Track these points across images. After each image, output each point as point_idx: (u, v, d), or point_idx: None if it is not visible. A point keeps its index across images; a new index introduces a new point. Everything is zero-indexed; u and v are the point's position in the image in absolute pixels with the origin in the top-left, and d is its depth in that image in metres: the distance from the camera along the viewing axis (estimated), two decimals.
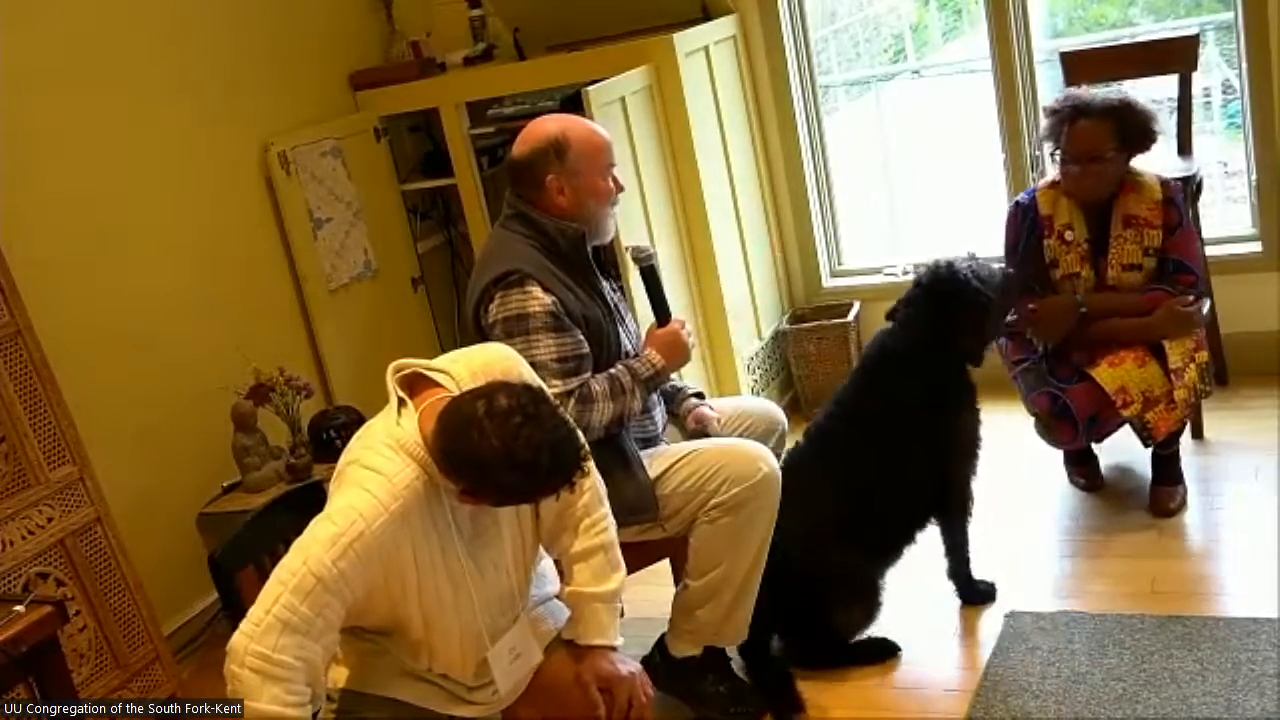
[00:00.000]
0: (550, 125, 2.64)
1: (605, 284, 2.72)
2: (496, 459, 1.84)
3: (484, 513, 2.04)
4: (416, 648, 2.06)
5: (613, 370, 2.59)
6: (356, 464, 1.97)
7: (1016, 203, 3.27)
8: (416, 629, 2.01)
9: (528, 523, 2.16)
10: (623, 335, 2.70)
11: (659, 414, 2.79)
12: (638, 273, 2.79)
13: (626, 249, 2.90)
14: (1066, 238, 3.15)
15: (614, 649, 2.21)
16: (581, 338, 2.54)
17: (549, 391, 2.43)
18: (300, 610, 1.85)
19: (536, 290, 2.50)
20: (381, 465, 1.94)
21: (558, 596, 2.29)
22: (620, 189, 2.69)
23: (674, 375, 2.84)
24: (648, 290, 2.75)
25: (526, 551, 2.17)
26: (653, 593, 3.02)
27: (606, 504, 2.26)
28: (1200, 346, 3.10)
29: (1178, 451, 3.28)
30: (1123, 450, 3.41)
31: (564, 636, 2.24)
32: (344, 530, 1.88)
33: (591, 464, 2.11)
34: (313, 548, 1.88)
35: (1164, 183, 3.12)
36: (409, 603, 1.97)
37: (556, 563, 2.32)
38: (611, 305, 2.70)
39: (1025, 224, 3.20)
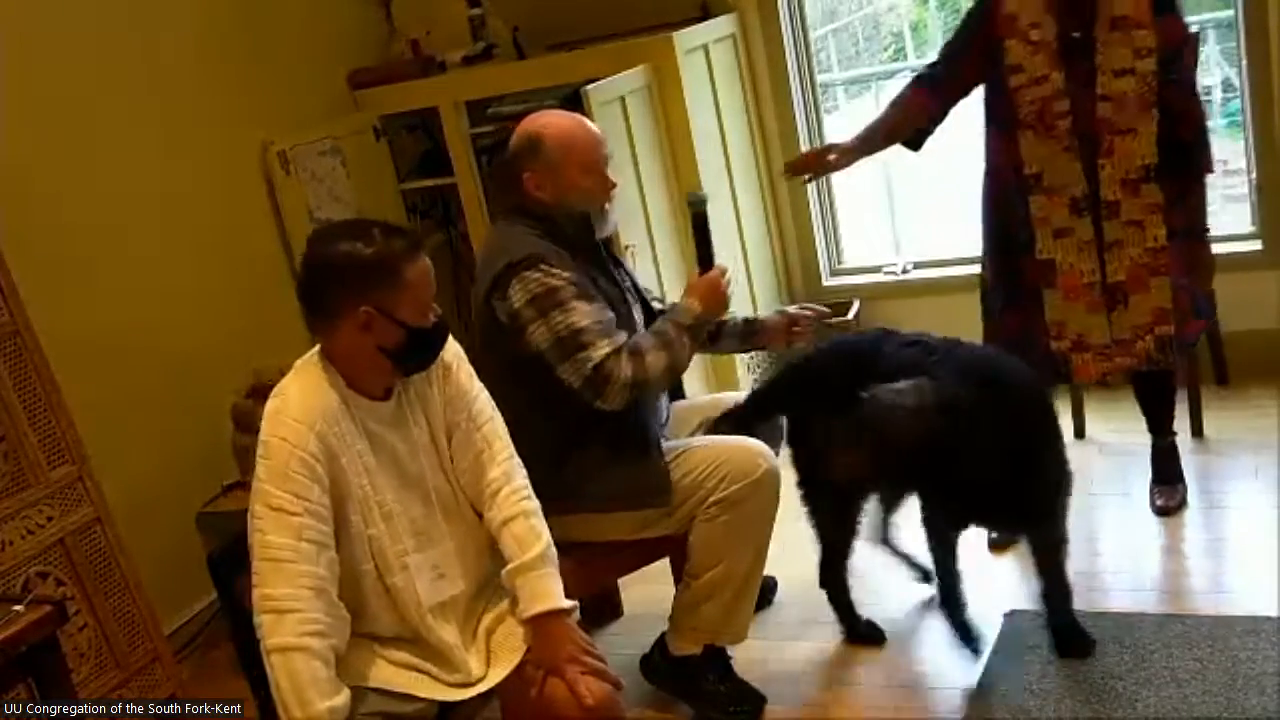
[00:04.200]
0: (531, 121, 2.64)
1: (613, 271, 2.72)
2: (337, 245, 2.05)
3: (399, 457, 2.14)
4: (372, 583, 2.10)
5: (655, 325, 2.60)
6: (272, 396, 2.10)
7: None
8: (361, 542, 2.07)
9: (448, 467, 2.22)
10: (635, 318, 2.69)
11: (664, 408, 2.79)
12: (690, 217, 2.79)
13: (687, 196, 2.88)
14: (1032, 37, 2.86)
15: (560, 611, 2.15)
16: (606, 304, 2.55)
17: (597, 354, 2.45)
18: (279, 543, 1.96)
19: (554, 268, 2.50)
20: (288, 387, 2.09)
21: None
22: (611, 185, 2.66)
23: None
24: (695, 236, 2.74)
25: (457, 499, 2.23)
26: (653, 592, 3.02)
27: (525, 478, 2.27)
28: (1163, 320, 2.96)
29: (1177, 450, 3.28)
30: (1122, 450, 3.41)
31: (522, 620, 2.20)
32: (278, 459, 2.00)
33: (487, 400, 2.26)
34: (262, 488, 2.00)
35: None
36: (351, 503, 2.06)
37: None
38: (622, 289, 2.70)
39: (977, 20, 2.95)
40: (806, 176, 3.15)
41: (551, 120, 2.63)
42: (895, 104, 3.14)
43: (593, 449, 2.56)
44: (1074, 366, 3.04)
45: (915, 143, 3.17)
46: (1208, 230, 3.01)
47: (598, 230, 2.65)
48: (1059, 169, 2.92)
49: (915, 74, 3.15)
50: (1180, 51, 2.86)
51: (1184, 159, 2.89)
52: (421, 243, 2.14)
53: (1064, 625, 2.69)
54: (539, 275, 2.49)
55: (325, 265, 2.06)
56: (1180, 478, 3.26)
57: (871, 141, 3.18)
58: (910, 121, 3.11)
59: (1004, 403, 2.44)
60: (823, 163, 3.16)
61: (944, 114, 3.10)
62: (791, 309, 2.95)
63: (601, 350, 2.46)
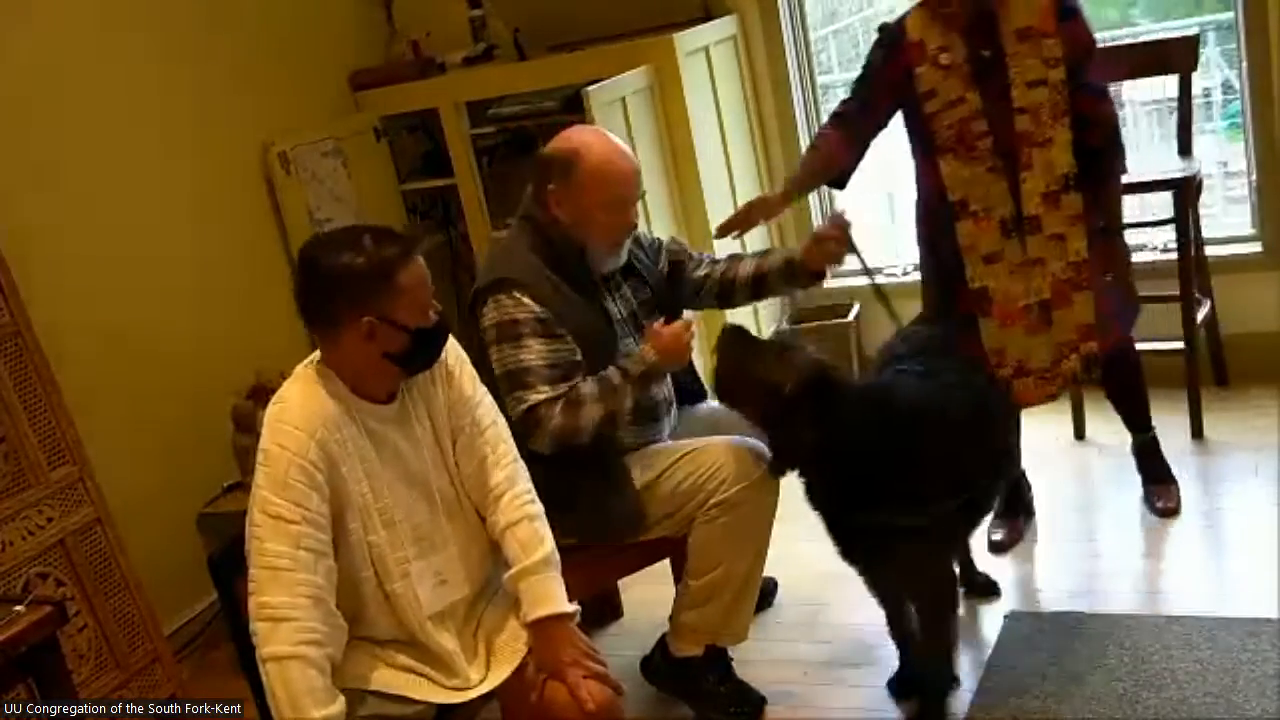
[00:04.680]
0: (575, 137, 2.60)
1: (625, 288, 2.71)
2: (330, 258, 2.05)
3: (403, 456, 2.15)
4: (371, 590, 2.10)
5: (604, 371, 2.56)
6: (272, 402, 2.09)
7: (883, 25, 2.99)
8: (360, 549, 2.07)
9: (452, 470, 2.23)
10: (628, 347, 2.64)
11: (666, 424, 2.77)
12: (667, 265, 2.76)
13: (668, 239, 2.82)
14: (942, 61, 2.84)
15: (563, 615, 2.16)
16: (573, 345, 2.53)
17: (534, 397, 2.45)
18: (278, 551, 1.96)
19: (527, 299, 2.50)
20: (289, 394, 2.09)
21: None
22: (630, 226, 2.62)
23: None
24: (669, 283, 2.70)
25: (460, 502, 2.23)
26: (653, 593, 3.02)
27: (529, 482, 2.27)
28: (1087, 337, 2.90)
29: (1159, 445, 3.26)
30: (1122, 451, 3.40)
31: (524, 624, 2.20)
32: (277, 467, 1.99)
33: (490, 405, 2.27)
34: (260, 495, 2.00)
35: None
36: (351, 510, 2.06)
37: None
38: (616, 317, 2.67)
39: (884, 52, 2.93)
40: (735, 234, 2.98)
41: (594, 144, 2.58)
42: (814, 148, 3.08)
43: (568, 473, 2.53)
44: (1017, 391, 2.97)
45: (840, 182, 3.11)
46: (1122, 230, 3.01)
47: (596, 266, 2.62)
48: (984, 191, 2.88)
49: (831, 114, 3.10)
50: (1087, 56, 2.85)
51: (1096, 164, 2.87)
52: (414, 245, 2.12)
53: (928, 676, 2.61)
54: (510, 303, 2.49)
55: (320, 279, 2.06)
56: (1171, 476, 3.26)
57: (800, 187, 3.11)
58: (833, 162, 3.04)
59: (865, 403, 2.42)
60: (752, 222, 2.99)
61: (863, 150, 3.05)
62: (817, 229, 2.86)
63: (539, 394, 2.45)
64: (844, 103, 3.06)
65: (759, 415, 2.49)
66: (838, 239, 2.75)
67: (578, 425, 2.48)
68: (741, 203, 4.07)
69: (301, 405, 2.05)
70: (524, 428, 2.46)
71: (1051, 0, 2.79)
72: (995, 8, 2.80)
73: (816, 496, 2.50)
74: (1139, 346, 3.41)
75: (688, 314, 2.72)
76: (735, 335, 2.54)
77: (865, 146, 3.04)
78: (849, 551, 2.53)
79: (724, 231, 2.96)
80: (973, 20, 2.83)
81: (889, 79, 2.93)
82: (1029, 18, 2.80)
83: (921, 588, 2.54)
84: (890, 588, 2.61)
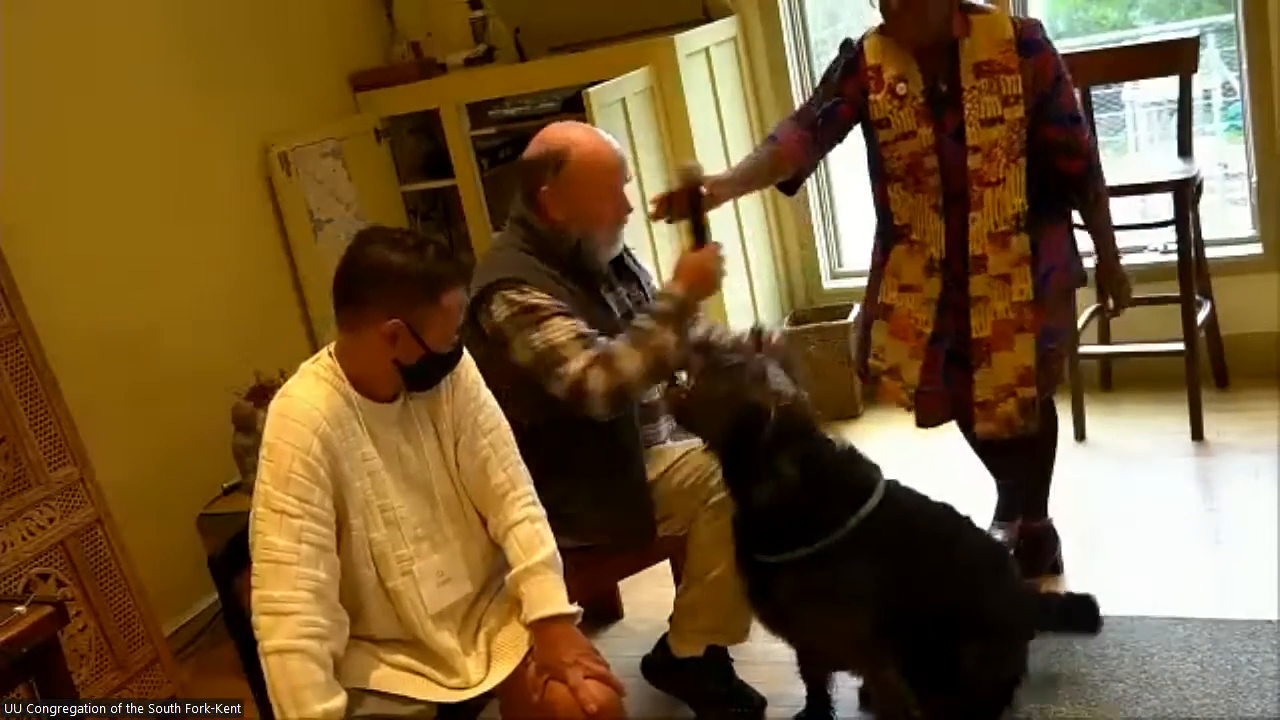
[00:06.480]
0: (558, 134, 2.59)
1: (620, 289, 2.69)
2: (390, 250, 2.05)
3: (404, 457, 2.15)
4: (372, 587, 2.10)
5: (634, 320, 2.52)
6: (277, 397, 2.09)
7: (846, 41, 2.86)
8: (362, 546, 2.08)
9: (453, 471, 2.24)
10: None
11: (664, 425, 2.77)
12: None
13: (678, 166, 2.63)
14: (899, 91, 2.71)
15: (565, 616, 2.17)
16: (587, 323, 2.50)
17: (572, 368, 2.42)
18: (281, 545, 1.97)
19: (536, 290, 2.50)
20: (293, 389, 2.09)
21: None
22: (627, 209, 2.61)
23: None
24: (690, 211, 2.60)
25: (462, 503, 2.24)
26: (653, 593, 3.02)
27: (531, 483, 2.28)
28: (1025, 381, 2.75)
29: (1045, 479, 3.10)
30: (1123, 452, 3.41)
31: (525, 624, 2.21)
32: (281, 462, 2.00)
33: (494, 407, 2.27)
34: (265, 490, 2.00)
35: (1013, 20, 2.68)
36: (353, 506, 2.06)
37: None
38: (618, 312, 2.65)
39: (845, 67, 2.80)
40: (667, 219, 2.72)
41: (578, 139, 2.56)
42: (773, 140, 2.89)
43: (576, 480, 2.52)
44: (882, 386, 2.94)
45: (792, 185, 2.98)
46: (1117, 254, 2.86)
47: (596, 257, 2.60)
48: (923, 226, 2.80)
49: (791, 115, 2.98)
50: (1057, 89, 2.68)
51: (1081, 191, 2.76)
52: (467, 275, 2.15)
53: None
54: (520, 295, 2.48)
55: (372, 267, 2.06)
56: (1045, 513, 3.09)
57: (752, 179, 2.91)
58: (792, 160, 2.87)
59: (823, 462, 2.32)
60: (695, 201, 2.64)
61: (820, 156, 2.95)
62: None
63: (578, 364, 2.42)
64: (807, 105, 2.95)
65: (732, 437, 2.31)
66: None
67: (622, 380, 2.41)
68: (744, 203, 4.12)
69: (305, 400, 2.05)
70: (575, 400, 2.42)
71: (1014, 33, 2.65)
72: (956, 36, 2.67)
73: (751, 533, 2.38)
74: (1138, 347, 3.42)
75: (715, 239, 2.61)
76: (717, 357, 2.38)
77: (822, 153, 2.95)
78: (763, 592, 2.40)
79: (662, 209, 2.72)
80: (927, 49, 2.71)
81: (848, 92, 2.81)
82: (990, 50, 2.65)
83: (842, 642, 2.42)
84: (801, 634, 2.49)
